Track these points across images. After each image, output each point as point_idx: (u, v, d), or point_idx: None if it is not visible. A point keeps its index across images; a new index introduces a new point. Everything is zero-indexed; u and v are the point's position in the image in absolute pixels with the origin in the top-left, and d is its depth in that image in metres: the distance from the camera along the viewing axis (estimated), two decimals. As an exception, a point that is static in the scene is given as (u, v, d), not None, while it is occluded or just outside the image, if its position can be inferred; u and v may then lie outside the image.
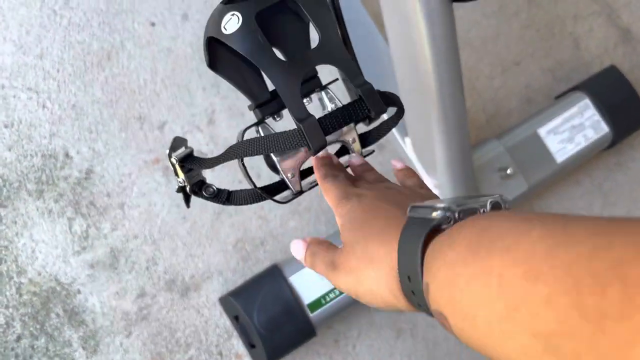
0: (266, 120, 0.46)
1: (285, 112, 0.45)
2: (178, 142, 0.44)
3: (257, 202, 0.47)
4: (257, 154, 0.43)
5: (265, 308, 0.75)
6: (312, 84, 0.47)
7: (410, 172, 0.44)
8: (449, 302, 0.27)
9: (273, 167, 0.48)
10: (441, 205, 0.31)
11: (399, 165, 0.44)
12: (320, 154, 0.45)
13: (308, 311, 0.76)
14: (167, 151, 0.43)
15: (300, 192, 0.47)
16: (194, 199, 0.47)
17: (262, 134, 0.47)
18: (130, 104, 0.86)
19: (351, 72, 0.43)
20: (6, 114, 0.83)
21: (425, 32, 0.61)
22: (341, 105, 0.44)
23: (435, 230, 0.30)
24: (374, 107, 0.42)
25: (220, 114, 0.87)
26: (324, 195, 0.43)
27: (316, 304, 0.77)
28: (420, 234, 0.30)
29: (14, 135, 0.83)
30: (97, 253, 0.82)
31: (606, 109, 0.86)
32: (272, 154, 0.46)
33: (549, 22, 0.97)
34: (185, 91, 0.88)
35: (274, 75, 0.41)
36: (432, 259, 0.29)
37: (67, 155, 0.83)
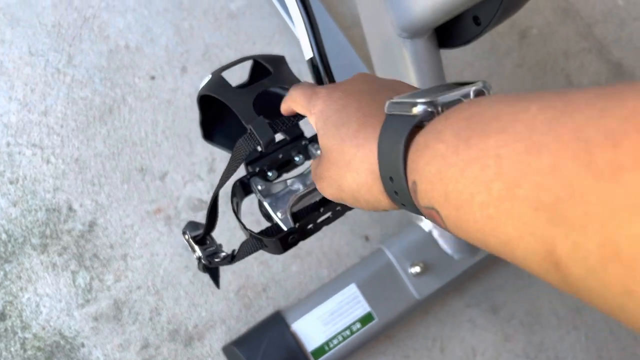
0: (259, 183, 0.49)
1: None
2: (193, 227, 0.49)
3: (257, 250, 0.48)
4: (232, 171, 0.45)
5: (268, 356, 0.74)
6: (300, 140, 0.50)
7: None
8: (440, 195, 0.25)
9: (266, 215, 0.49)
10: (422, 99, 0.28)
11: None
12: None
13: (312, 359, 0.75)
14: (182, 230, 0.48)
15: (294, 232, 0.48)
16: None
17: (254, 185, 0.49)
18: (132, 156, 0.87)
19: None
20: (11, 170, 0.85)
21: (414, 76, 0.62)
22: None
23: (417, 127, 0.28)
24: None
25: (220, 163, 0.88)
26: (292, 105, 0.41)
27: (320, 351, 0.76)
28: (402, 132, 0.28)
29: (18, 191, 0.84)
30: (100, 305, 0.82)
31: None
32: (263, 202, 0.48)
33: (540, 60, 0.99)
34: (185, 141, 0.89)
35: (229, 98, 0.46)
36: (417, 157, 0.27)
37: (70, 208, 0.84)
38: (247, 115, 0.43)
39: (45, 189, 0.85)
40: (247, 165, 0.51)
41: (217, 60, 0.92)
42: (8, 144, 0.86)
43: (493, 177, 0.22)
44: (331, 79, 0.52)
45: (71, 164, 0.86)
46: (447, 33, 0.60)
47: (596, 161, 0.18)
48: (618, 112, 0.19)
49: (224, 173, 0.45)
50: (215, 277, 0.57)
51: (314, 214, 0.46)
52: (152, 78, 0.91)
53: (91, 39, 0.91)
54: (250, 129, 0.43)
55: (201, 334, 0.82)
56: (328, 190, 0.36)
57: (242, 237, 0.47)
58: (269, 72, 0.49)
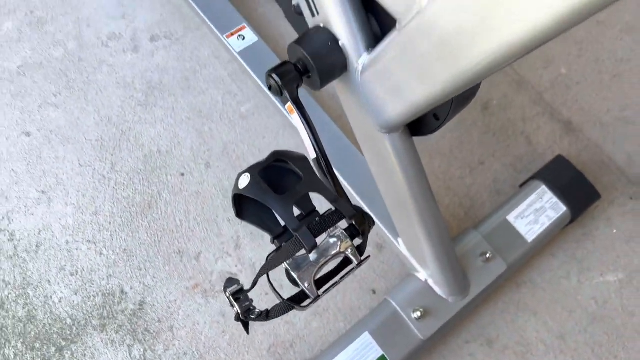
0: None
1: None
2: (231, 282, 0.62)
3: (287, 312, 0.62)
4: (278, 265, 0.59)
5: (301, 402, 0.86)
6: (313, 215, 0.64)
7: None
8: None
9: (293, 282, 0.63)
10: None
11: None
12: None
13: (338, 400, 0.87)
14: (223, 288, 0.60)
15: (317, 298, 0.62)
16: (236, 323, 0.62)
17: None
18: (171, 242, 1.02)
19: (328, 195, 0.60)
20: (71, 264, 1.00)
21: (395, 160, 0.78)
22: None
23: None
24: (346, 213, 0.59)
25: (244, 239, 1.03)
26: None
27: (344, 393, 0.87)
28: None
29: (78, 281, 0.99)
30: (153, 373, 0.94)
31: (561, 192, 1.01)
32: (291, 272, 0.62)
33: (502, 126, 1.15)
34: (214, 224, 1.04)
35: (273, 204, 0.58)
36: None
37: (122, 291, 0.98)
38: (293, 224, 0.56)
39: (100, 277, 0.99)
40: (274, 239, 0.64)
41: (234, 155, 1.09)
42: (67, 242, 1.01)
43: None
44: (332, 173, 0.68)
45: (120, 254, 1.01)
46: (416, 126, 0.76)
47: None
48: None
49: (268, 264, 0.58)
50: (246, 326, 0.69)
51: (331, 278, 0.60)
52: (182, 175, 1.07)
53: (129, 148, 1.09)
54: (297, 237, 0.56)
55: (241, 390, 0.94)
56: None
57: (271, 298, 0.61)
58: (285, 162, 0.63)
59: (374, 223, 0.66)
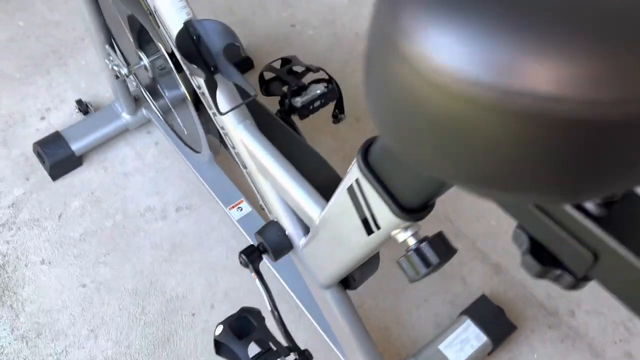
0: None
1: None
2: None
3: None
4: None
5: None
6: (269, 353, 0.95)
7: None
8: None
9: None
10: None
11: None
12: None
13: None
14: None
15: None
16: None
17: None
18: (182, 369, 1.32)
19: (270, 337, 0.92)
20: (107, 387, 1.30)
21: (334, 307, 1.08)
22: None
23: None
24: (282, 352, 0.89)
25: (238, 366, 1.32)
26: None
27: None
28: None
29: (112, 401, 1.28)
30: None
31: (482, 324, 1.27)
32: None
33: (443, 269, 1.43)
34: (212, 352, 1.34)
35: (234, 347, 0.90)
36: None
37: (144, 409, 1.27)
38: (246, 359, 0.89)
39: (128, 397, 1.28)
40: None
41: (234, 297, 1.41)
42: (106, 370, 1.32)
43: None
44: (281, 320, 0.99)
45: (144, 379, 1.31)
46: (345, 283, 1.08)
47: None
48: None
49: None
50: None
51: None
52: (193, 315, 1.40)
53: (155, 294, 1.43)
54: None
55: None
56: None
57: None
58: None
59: (312, 357, 0.96)
